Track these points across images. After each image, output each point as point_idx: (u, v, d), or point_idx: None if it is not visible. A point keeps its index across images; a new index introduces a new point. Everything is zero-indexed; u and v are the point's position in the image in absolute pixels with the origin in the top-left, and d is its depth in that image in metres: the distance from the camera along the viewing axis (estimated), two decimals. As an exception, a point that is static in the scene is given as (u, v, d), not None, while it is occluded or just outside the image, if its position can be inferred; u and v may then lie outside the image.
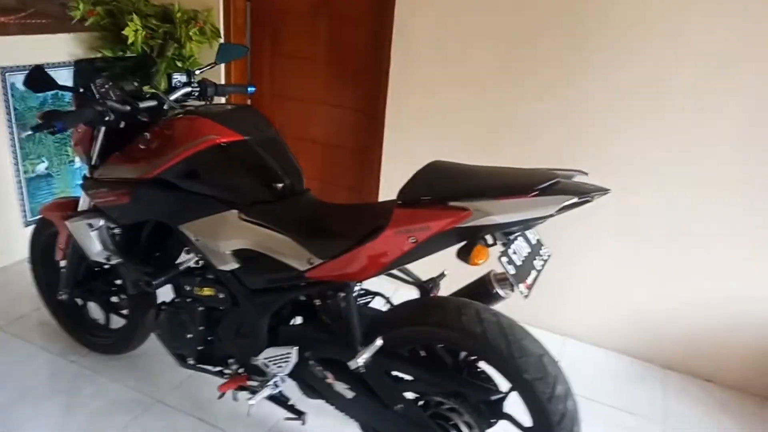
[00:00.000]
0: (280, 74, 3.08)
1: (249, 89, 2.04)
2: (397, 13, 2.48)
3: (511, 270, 1.25)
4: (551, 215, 1.17)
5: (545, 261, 1.39)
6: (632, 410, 2.20)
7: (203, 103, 1.84)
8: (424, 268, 1.59)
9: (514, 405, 1.42)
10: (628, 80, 2.18)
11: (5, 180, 2.67)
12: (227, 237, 1.53)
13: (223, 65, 2.98)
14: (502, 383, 1.42)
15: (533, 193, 1.17)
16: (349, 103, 2.91)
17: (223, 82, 3.02)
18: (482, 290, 1.49)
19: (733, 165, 2.12)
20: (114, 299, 2.16)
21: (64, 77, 1.64)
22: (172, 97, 1.77)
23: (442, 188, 1.26)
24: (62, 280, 2.06)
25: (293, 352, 1.55)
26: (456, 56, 2.43)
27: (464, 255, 1.25)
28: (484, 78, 2.41)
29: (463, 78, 2.44)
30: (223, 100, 2.82)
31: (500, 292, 1.48)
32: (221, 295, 1.63)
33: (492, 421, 1.50)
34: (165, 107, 1.71)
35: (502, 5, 2.29)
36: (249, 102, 3.14)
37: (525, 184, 1.19)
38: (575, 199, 1.13)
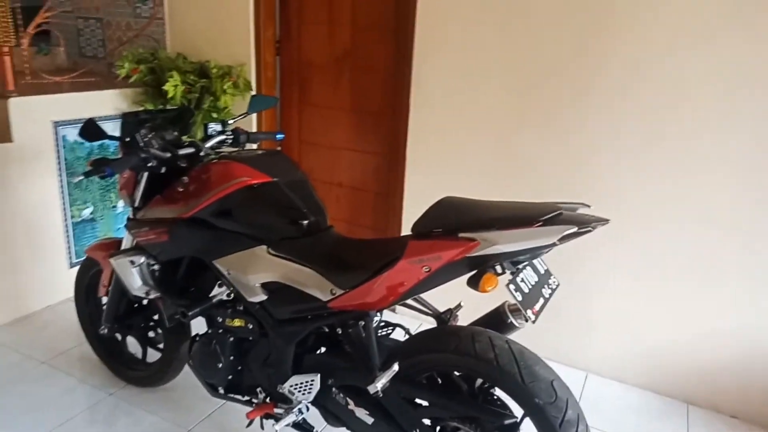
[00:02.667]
0: (307, 122, 3.27)
1: (278, 136, 2.21)
2: (415, 64, 2.66)
3: (519, 297, 1.33)
4: (554, 244, 1.25)
5: (553, 290, 1.47)
6: (656, 446, 2.19)
7: (236, 149, 2.00)
8: (441, 299, 1.69)
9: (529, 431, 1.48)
10: (627, 115, 2.28)
11: (55, 224, 2.88)
12: (257, 270, 1.65)
13: (255, 115, 3.19)
14: (517, 410, 1.47)
15: (537, 224, 1.27)
16: (372, 148, 3.07)
17: (254, 129, 3.22)
18: (497, 320, 1.56)
19: (746, 198, 2.17)
20: (151, 334, 2.30)
21: (111, 128, 1.83)
22: (208, 144, 1.93)
23: (453, 221, 1.36)
24: (104, 316, 2.21)
25: (316, 380, 1.64)
26: (468, 102, 2.58)
27: (474, 283, 1.34)
28: (494, 121, 2.54)
29: (475, 122, 2.59)
30: (255, 146, 3.02)
31: (514, 321, 1.54)
32: (250, 326, 1.75)
33: (508, 447, 1.55)
34: (201, 153, 1.87)
35: (509, 54, 2.44)
36: (279, 148, 3.33)
37: (530, 215, 1.29)
38: (575, 229, 1.22)
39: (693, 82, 2.16)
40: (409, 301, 1.70)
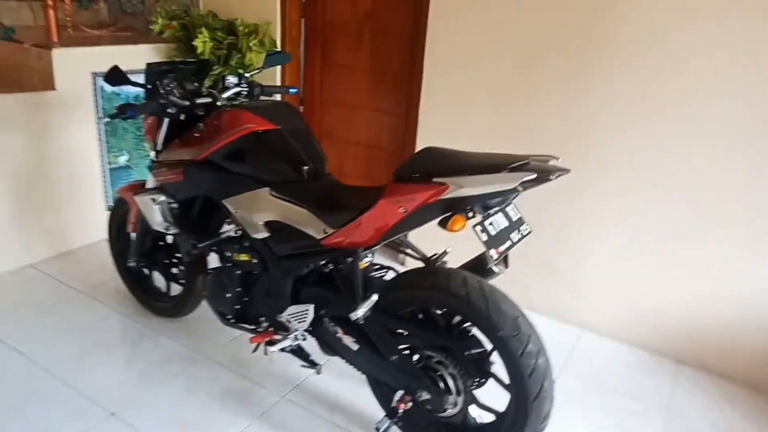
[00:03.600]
0: (328, 81, 3.40)
1: (291, 90, 2.36)
2: (429, 28, 2.73)
3: (484, 237, 1.46)
4: (517, 190, 1.37)
5: (524, 236, 1.58)
6: (638, 397, 2.30)
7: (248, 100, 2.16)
8: (430, 246, 1.83)
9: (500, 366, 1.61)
10: (631, 81, 2.32)
11: (93, 169, 3.13)
12: (260, 210, 1.83)
13: (279, 72, 3.34)
14: (488, 345, 1.62)
15: (504, 171, 1.38)
16: (388, 108, 3.18)
17: (279, 85, 3.37)
18: (479, 266, 1.69)
19: (741, 164, 2.21)
20: (174, 270, 2.53)
21: (142, 79, 2.03)
22: (225, 95, 2.10)
23: (429, 167, 1.49)
24: (132, 250, 2.44)
25: (310, 309, 1.82)
26: (477, 64, 2.65)
27: (444, 223, 1.47)
28: (503, 88, 2.62)
29: (484, 87, 2.66)
30: (278, 98, 3.17)
31: (493, 267, 1.67)
32: (254, 261, 1.93)
33: (482, 380, 1.70)
34: (218, 103, 2.04)
35: (519, 23, 2.50)
36: (301, 108, 3.48)
37: (498, 163, 1.41)
38: (534, 176, 1.34)
39: (691, 54, 2.19)
40: (401, 246, 1.85)
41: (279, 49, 3.28)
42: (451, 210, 1.49)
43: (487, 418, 1.76)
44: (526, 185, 1.36)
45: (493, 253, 1.47)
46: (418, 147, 2.95)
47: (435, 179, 1.45)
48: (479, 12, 2.59)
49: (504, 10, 2.52)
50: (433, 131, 2.88)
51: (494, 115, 2.67)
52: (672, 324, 2.50)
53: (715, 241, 2.32)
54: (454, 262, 1.77)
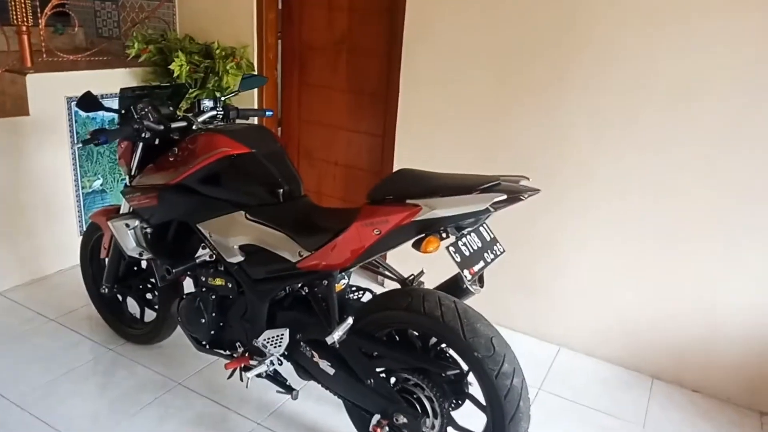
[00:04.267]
0: (306, 102, 3.42)
1: (267, 113, 2.37)
2: (405, 46, 2.77)
3: (457, 258, 1.46)
4: (488, 210, 1.38)
5: (497, 255, 1.60)
6: (615, 413, 2.31)
7: (224, 123, 2.16)
8: (408, 267, 1.83)
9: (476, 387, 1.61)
10: (604, 92, 2.36)
11: (66, 194, 3.09)
12: (235, 233, 1.82)
13: (255, 95, 3.35)
14: (464, 366, 1.61)
15: (476, 192, 1.40)
16: (367, 128, 3.20)
17: (255, 107, 3.37)
18: (455, 286, 1.70)
19: (718, 176, 2.24)
20: (148, 295, 2.49)
21: (116, 104, 2.03)
22: (200, 119, 2.09)
23: (403, 189, 1.50)
24: (105, 276, 2.40)
25: (286, 333, 1.80)
26: (454, 84, 2.69)
27: (417, 245, 1.48)
28: (479, 102, 2.65)
29: (460, 102, 2.70)
30: (255, 121, 3.17)
31: (469, 287, 1.67)
32: (230, 285, 1.92)
33: (459, 401, 1.69)
34: (193, 127, 2.04)
35: (494, 37, 2.54)
36: (279, 129, 3.49)
37: (470, 184, 1.42)
38: (504, 197, 1.35)
39: (665, 59, 2.23)
40: (377, 267, 1.85)
41: (255, 71, 3.30)
42: (425, 231, 1.50)
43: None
44: (497, 206, 1.38)
45: (466, 273, 1.48)
46: (396, 166, 2.97)
47: (408, 201, 1.46)
48: (453, 28, 2.63)
49: (477, 26, 2.56)
50: (410, 149, 2.90)
51: (471, 130, 2.70)
52: (648, 339, 2.52)
53: (690, 255, 2.36)
54: (431, 282, 1.78)
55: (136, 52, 3.15)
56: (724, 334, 2.37)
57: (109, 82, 3.07)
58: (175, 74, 3.05)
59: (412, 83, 2.81)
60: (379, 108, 3.11)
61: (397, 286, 1.83)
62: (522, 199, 1.39)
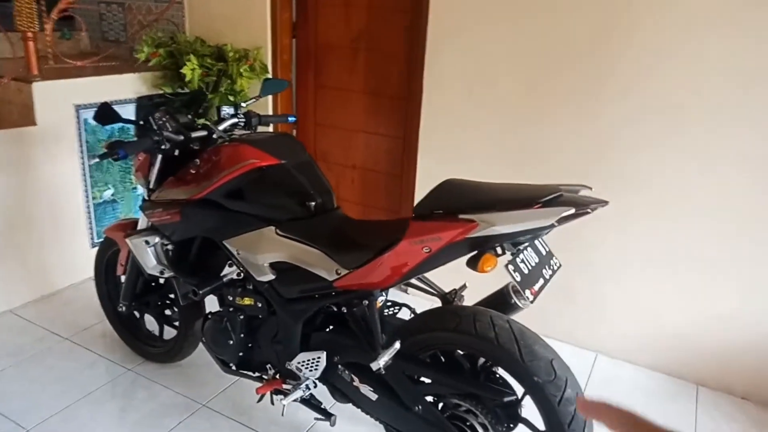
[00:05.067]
0: (322, 105, 3.30)
1: (290, 119, 2.24)
2: (428, 47, 2.65)
3: (518, 277, 1.35)
4: (553, 225, 1.26)
5: (554, 271, 1.48)
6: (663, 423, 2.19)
7: (247, 132, 2.04)
8: (448, 280, 1.71)
9: (531, 410, 1.50)
10: (646, 102, 2.25)
11: (77, 205, 2.97)
12: (265, 250, 1.70)
13: (270, 98, 3.23)
14: (518, 388, 1.50)
15: (537, 206, 1.28)
16: (386, 130, 3.08)
17: (270, 112, 3.26)
18: (500, 300, 1.58)
19: (760, 190, 2.14)
20: (167, 312, 2.37)
21: (130, 112, 1.89)
22: (221, 127, 1.97)
23: (453, 203, 1.38)
24: (122, 294, 2.28)
25: (323, 357, 1.68)
26: (482, 87, 2.57)
27: (473, 263, 1.36)
28: (507, 108, 2.53)
29: (488, 108, 2.57)
30: (270, 128, 3.06)
31: (517, 302, 1.56)
32: (259, 304, 1.80)
33: (510, 425, 1.57)
34: (214, 136, 1.92)
35: (523, 42, 2.42)
36: (294, 131, 3.36)
37: (529, 197, 1.30)
38: (573, 211, 1.23)
39: (710, 72, 2.13)
40: (415, 282, 1.73)
41: (270, 74, 3.18)
42: (478, 248, 1.38)
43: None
44: (562, 220, 1.26)
45: (528, 294, 1.36)
46: (420, 170, 2.86)
47: (461, 216, 1.34)
48: (482, 27, 2.50)
49: (508, 25, 2.44)
50: (435, 153, 2.78)
51: (501, 136, 2.58)
52: (692, 345, 2.41)
53: (735, 260, 2.24)
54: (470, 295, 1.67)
55: (145, 56, 3.03)
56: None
57: (119, 88, 2.96)
58: (187, 78, 2.93)
59: (437, 85, 2.68)
60: (399, 110, 2.99)
61: (435, 300, 1.72)
62: (589, 212, 1.27)
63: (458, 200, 1.38)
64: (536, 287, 1.39)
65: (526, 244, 1.42)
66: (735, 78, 2.10)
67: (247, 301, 1.82)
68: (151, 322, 2.45)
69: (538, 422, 1.50)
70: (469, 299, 1.70)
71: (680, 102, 2.20)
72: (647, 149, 2.30)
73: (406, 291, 2.80)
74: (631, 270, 2.45)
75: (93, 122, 2.87)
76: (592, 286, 2.55)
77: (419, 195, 2.88)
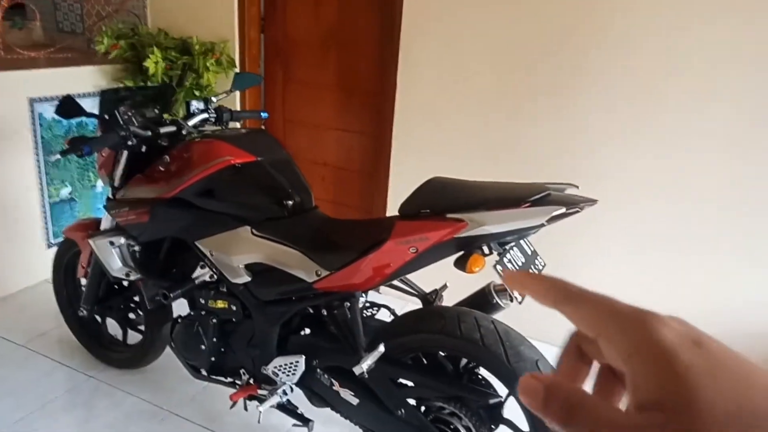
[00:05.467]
0: (292, 101, 3.22)
1: (262, 114, 2.17)
2: (402, 42, 2.61)
3: (505, 277, 1.32)
4: (542, 225, 1.25)
5: (540, 270, 1.46)
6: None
7: (219, 128, 1.96)
8: (427, 280, 1.68)
9: (514, 411, 1.48)
10: (619, 94, 2.27)
11: (31, 204, 2.80)
12: (240, 252, 1.63)
13: (238, 93, 3.13)
14: (501, 388, 1.48)
15: (525, 205, 1.26)
16: (358, 127, 3.03)
17: (238, 108, 3.16)
18: (483, 300, 1.56)
19: (735, 175, 2.18)
20: (131, 315, 2.26)
21: (89, 106, 1.78)
22: (191, 122, 1.89)
23: (440, 202, 1.35)
24: (83, 297, 2.16)
25: (301, 361, 1.62)
26: (458, 81, 2.55)
27: (461, 264, 1.33)
28: (483, 102, 2.52)
29: (464, 101, 2.56)
30: (239, 125, 2.96)
31: (499, 301, 1.54)
32: (234, 307, 1.72)
33: (492, 426, 1.56)
34: (183, 132, 1.83)
35: (499, 35, 2.41)
36: (263, 127, 3.27)
37: (518, 196, 1.28)
38: (563, 210, 1.22)
39: (679, 60, 2.15)
40: (395, 282, 1.69)
41: (238, 68, 3.08)
42: (465, 248, 1.36)
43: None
44: (552, 219, 1.24)
45: (516, 294, 1.34)
46: (393, 167, 2.82)
47: (449, 215, 1.31)
48: (456, 21, 2.48)
49: (482, 18, 2.42)
50: (409, 150, 2.74)
51: (476, 130, 2.56)
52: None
53: (714, 253, 2.29)
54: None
55: (105, 48, 2.89)
56: (746, 332, 2.31)
57: (78, 81, 2.81)
58: (150, 72, 2.81)
59: (411, 81, 2.65)
60: (372, 106, 2.94)
61: (416, 300, 1.69)
62: (579, 211, 1.25)
63: (445, 199, 1.35)
64: (523, 287, 1.37)
65: (513, 243, 1.40)
66: (704, 65, 2.12)
67: (220, 304, 1.74)
68: (113, 326, 2.34)
69: (522, 423, 1.49)
70: (449, 299, 1.68)
71: (652, 91, 2.22)
72: (620, 138, 2.32)
73: (378, 291, 2.76)
74: (607, 260, 2.47)
75: (49, 117, 2.73)
76: (569, 280, 2.56)
77: (393, 192, 2.86)
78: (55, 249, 2.32)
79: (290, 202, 1.64)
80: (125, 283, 2.19)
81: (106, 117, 1.72)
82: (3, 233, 2.72)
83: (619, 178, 2.35)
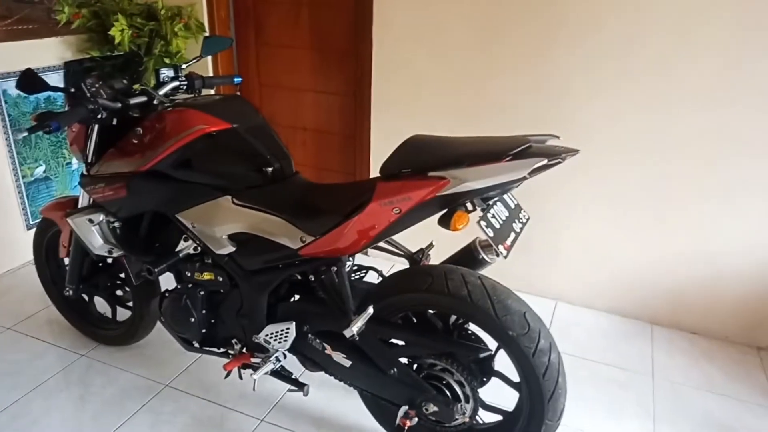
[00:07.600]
0: (266, 64, 3.13)
1: (236, 80, 2.11)
2: (376, -3, 2.53)
3: (490, 233, 1.32)
4: (525, 178, 1.24)
5: (524, 223, 1.47)
6: (623, 366, 2.29)
7: (191, 96, 1.90)
8: (413, 240, 1.67)
9: (504, 363, 1.51)
10: (598, 50, 2.25)
11: (5, 186, 2.73)
12: (222, 222, 1.60)
13: (210, 59, 3.04)
14: (491, 342, 1.50)
15: (507, 158, 1.24)
16: (336, 88, 2.97)
17: (210, 74, 3.07)
18: (469, 257, 1.57)
19: (715, 120, 2.18)
20: (119, 292, 2.24)
21: (55, 80, 1.70)
22: (161, 92, 1.83)
23: (421, 160, 1.33)
24: (67, 277, 2.13)
25: (292, 327, 1.63)
26: (434, 36, 2.49)
27: (445, 222, 1.32)
28: (462, 55, 2.47)
29: (442, 56, 2.51)
30: (212, 91, 2.88)
31: (485, 257, 1.55)
32: (220, 279, 1.71)
33: (484, 379, 1.59)
34: (155, 102, 1.76)
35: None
36: (238, 92, 3.19)
37: (499, 150, 1.26)
38: (545, 161, 1.20)
39: (657, 17, 2.13)
40: (381, 244, 1.68)
41: (207, 32, 2.98)
42: (448, 205, 1.35)
43: (493, 418, 1.66)
44: (534, 172, 1.23)
45: (501, 249, 1.34)
46: (374, 128, 2.78)
47: (431, 173, 1.29)
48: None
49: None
50: (389, 110, 2.70)
51: (456, 89, 2.52)
52: (645, 286, 2.50)
53: (686, 199, 2.31)
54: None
55: (66, 17, 2.76)
56: (721, 276, 2.36)
57: (41, 54, 2.70)
58: (117, 41, 2.70)
59: (387, 39, 2.58)
60: (348, 66, 2.87)
61: (403, 261, 1.69)
62: (561, 162, 1.24)
63: (426, 157, 1.33)
64: (508, 241, 1.37)
65: (496, 198, 1.39)
66: (682, 22, 2.11)
67: (206, 276, 1.73)
68: (102, 304, 2.32)
69: (512, 374, 1.52)
70: (435, 258, 1.68)
71: (630, 48, 2.20)
72: (599, 96, 2.30)
73: (365, 253, 2.76)
74: (585, 216, 2.49)
75: (14, 93, 2.64)
76: (549, 235, 2.58)
77: (375, 154, 2.83)
78: (34, 230, 2.27)
79: (270, 169, 1.62)
80: (109, 260, 2.16)
81: (73, 90, 1.66)
82: (-21, 217, 2.66)
83: (599, 135, 2.35)
